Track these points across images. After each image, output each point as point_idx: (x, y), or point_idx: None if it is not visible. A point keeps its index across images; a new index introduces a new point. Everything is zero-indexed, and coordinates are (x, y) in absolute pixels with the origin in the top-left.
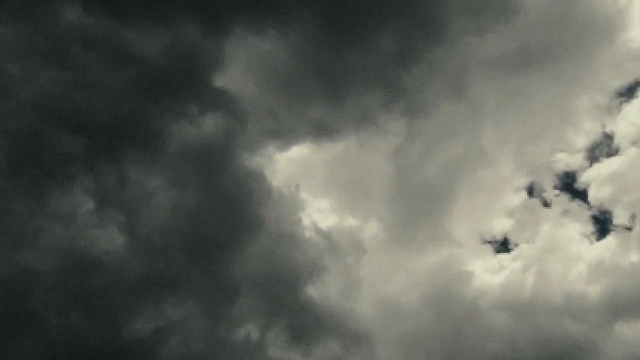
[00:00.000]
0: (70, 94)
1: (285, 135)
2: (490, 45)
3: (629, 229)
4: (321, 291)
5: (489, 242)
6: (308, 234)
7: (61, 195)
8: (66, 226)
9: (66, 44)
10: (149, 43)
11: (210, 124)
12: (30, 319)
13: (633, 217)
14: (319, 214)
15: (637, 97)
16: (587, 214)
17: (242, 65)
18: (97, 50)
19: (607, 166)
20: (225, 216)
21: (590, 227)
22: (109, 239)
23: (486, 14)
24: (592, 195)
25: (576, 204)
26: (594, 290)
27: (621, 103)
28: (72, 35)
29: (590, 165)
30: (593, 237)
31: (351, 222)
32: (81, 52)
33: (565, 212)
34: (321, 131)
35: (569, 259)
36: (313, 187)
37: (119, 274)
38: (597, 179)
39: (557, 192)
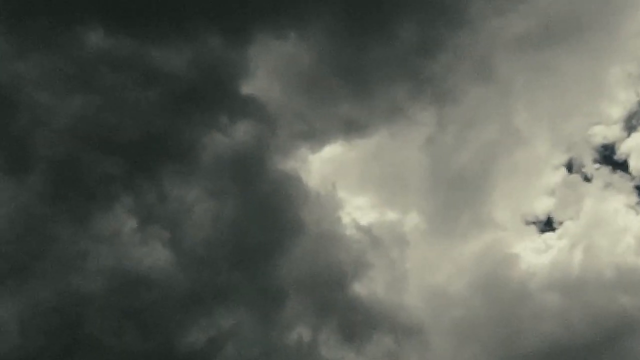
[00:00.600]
0: (102, 117)
1: (316, 136)
2: (513, 25)
3: None
4: (368, 287)
5: (533, 222)
6: (349, 231)
7: (104, 216)
8: (112, 246)
9: (92, 68)
10: (173, 59)
11: (241, 132)
12: (87, 341)
13: None
14: (358, 211)
15: None
16: (629, 184)
17: (267, 70)
18: (123, 71)
19: None
20: (266, 221)
21: (634, 198)
22: (155, 255)
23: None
24: (633, 165)
25: (618, 176)
26: None
27: None
28: (97, 59)
29: (629, 136)
30: (639, 208)
31: (391, 216)
32: (108, 74)
33: (608, 185)
34: (352, 128)
35: (615, 232)
36: (349, 184)
37: (167, 289)
38: (637, 149)
39: (597, 165)
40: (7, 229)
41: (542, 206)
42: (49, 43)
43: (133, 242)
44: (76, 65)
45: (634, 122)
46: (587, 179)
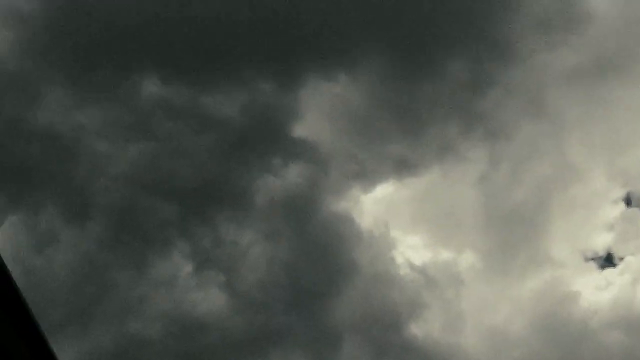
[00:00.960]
0: (158, 163)
1: (368, 176)
2: (564, 59)
3: None
4: (424, 328)
5: (592, 258)
6: (403, 271)
7: (161, 261)
8: (169, 291)
9: (148, 116)
10: (226, 105)
11: (294, 174)
12: None
13: None
14: (411, 250)
15: None
16: None
17: (318, 112)
18: (178, 118)
19: None
20: (320, 263)
21: None
22: (211, 299)
23: (556, 27)
24: None
25: None
26: None
27: None
28: (153, 107)
29: None
30: None
31: (445, 255)
32: (163, 122)
33: None
34: (403, 167)
35: None
36: (402, 224)
37: (223, 332)
38: None
39: None
40: (67, 276)
41: (602, 241)
42: (107, 93)
43: (189, 287)
44: (133, 114)
45: None
46: None
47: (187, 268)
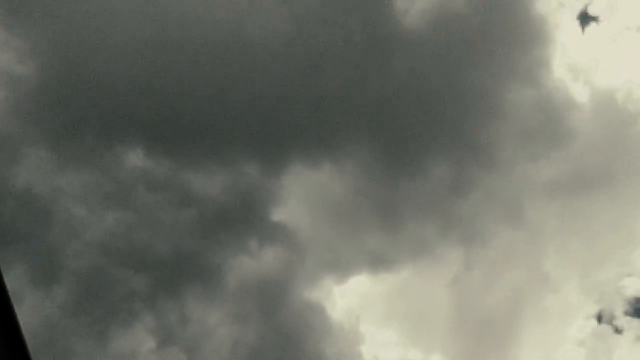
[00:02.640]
0: (134, 234)
1: (342, 268)
2: (545, 170)
3: None
4: None
5: None
6: None
7: (123, 334)
8: None
9: (129, 186)
10: (209, 182)
11: (269, 257)
12: None
13: None
14: (380, 347)
15: None
16: None
17: (300, 198)
18: (159, 191)
19: None
20: (286, 351)
21: None
22: None
23: (539, 139)
24: None
25: None
26: None
27: None
28: (135, 178)
29: None
30: None
31: (414, 355)
32: (144, 194)
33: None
34: (378, 262)
35: None
36: (373, 319)
37: None
38: None
39: (628, 318)
40: (27, 340)
41: (571, 356)
42: (90, 159)
43: None
44: (114, 183)
45: None
46: (617, 331)
47: (150, 343)
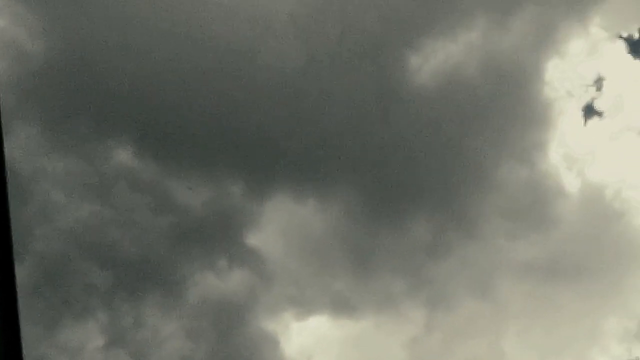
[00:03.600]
0: (106, 229)
1: (305, 305)
2: (522, 251)
3: None
4: None
5: None
6: None
7: (74, 326)
8: (72, 359)
9: (112, 182)
10: (191, 194)
11: (236, 280)
12: None
13: None
14: None
15: None
16: None
17: (278, 228)
18: (140, 193)
19: None
20: None
21: None
22: None
23: (522, 220)
24: None
25: None
26: None
27: None
28: (119, 175)
29: None
30: None
31: None
32: (125, 192)
33: None
34: (342, 306)
35: None
36: None
37: None
38: None
39: None
40: None
41: None
42: (79, 148)
43: None
44: (98, 176)
45: None
46: None
47: (98, 341)
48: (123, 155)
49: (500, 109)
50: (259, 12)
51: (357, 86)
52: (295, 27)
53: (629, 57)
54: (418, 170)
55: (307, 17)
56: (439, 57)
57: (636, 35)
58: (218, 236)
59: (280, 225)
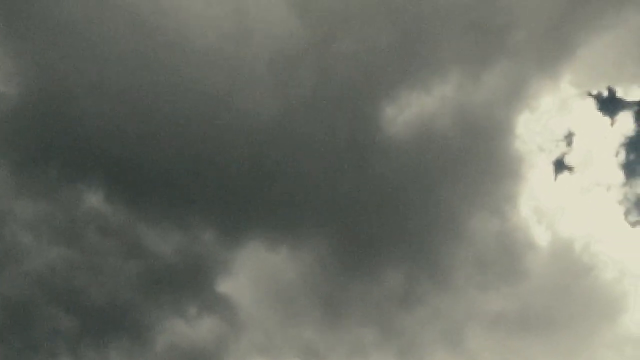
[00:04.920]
0: (74, 274)
1: (274, 354)
2: (493, 302)
3: None
4: None
5: None
6: None
7: None
8: None
9: (82, 226)
10: (162, 240)
11: (205, 327)
12: None
13: None
14: None
15: None
16: None
17: (249, 276)
18: (110, 237)
19: None
20: None
21: None
22: None
23: (493, 272)
24: None
25: None
26: None
27: None
28: (89, 219)
29: None
30: None
31: None
32: (95, 236)
33: None
34: (311, 356)
35: None
36: None
37: None
38: None
39: None
40: None
41: None
42: (49, 191)
43: None
44: (68, 219)
45: None
46: None
47: None
48: (93, 200)
49: (472, 161)
50: (236, 58)
51: (331, 135)
52: (272, 74)
53: (599, 114)
54: (391, 220)
55: (284, 65)
56: (414, 109)
57: (605, 93)
58: (188, 283)
59: (251, 273)
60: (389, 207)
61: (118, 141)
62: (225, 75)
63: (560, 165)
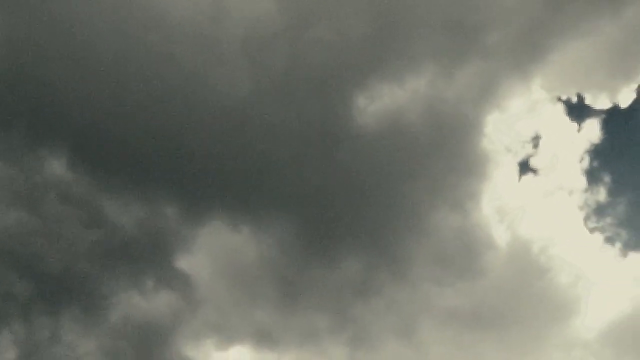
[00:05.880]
0: (31, 239)
1: (228, 333)
2: (448, 297)
3: None
4: None
5: None
6: None
7: None
8: None
9: (43, 193)
10: (124, 212)
11: (161, 302)
12: None
13: None
14: None
15: None
16: None
17: (209, 254)
18: (70, 205)
19: None
20: None
21: None
22: None
23: (450, 267)
24: None
25: None
26: None
27: None
28: (51, 185)
29: None
30: None
31: None
32: (55, 203)
33: None
34: (265, 338)
35: None
36: None
37: None
38: None
39: None
40: None
41: None
42: (11, 155)
43: None
44: (29, 184)
45: None
46: None
47: (10, 354)
48: (56, 166)
49: (438, 157)
50: (211, 36)
51: (301, 120)
52: (246, 55)
53: (567, 119)
54: (354, 209)
55: (258, 46)
56: (385, 100)
57: (574, 99)
58: (147, 256)
59: (212, 251)
60: (354, 196)
61: (86, 110)
62: (198, 52)
63: (525, 167)
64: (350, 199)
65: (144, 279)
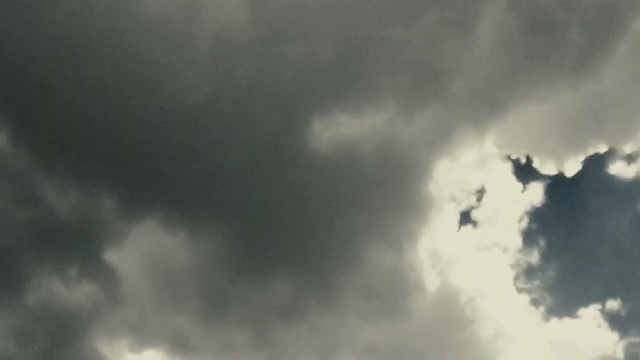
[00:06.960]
0: None
1: (144, 336)
2: (370, 333)
3: None
4: None
5: None
6: None
7: None
8: None
9: None
10: (59, 195)
11: (81, 293)
12: None
13: None
14: None
15: None
16: None
17: (141, 252)
18: (6, 180)
19: None
20: None
21: None
22: None
23: (377, 303)
24: None
25: None
26: None
27: None
28: None
29: None
30: None
31: None
32: None
33: None
34: (180, 345)
35: None
36: None
37: None
38: None
39: None
40: None
41: None
42: None
43: None
44: None
45: None
46: None
47: None
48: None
49: (384, 193)
50: (181, 33)
51: (257, 133)
52: (213, 58)
53: (513, 178)
54: (293, 231)
55: (226, 52)
56: (342, 129)
57: (523, 160)
58: (76, 244)
59: (143, 249)
60: (295, 218)
61: (36, 85)
62: (166, 47)
63: (466, 218)
64: (292, 220)
65: (69, 267)
